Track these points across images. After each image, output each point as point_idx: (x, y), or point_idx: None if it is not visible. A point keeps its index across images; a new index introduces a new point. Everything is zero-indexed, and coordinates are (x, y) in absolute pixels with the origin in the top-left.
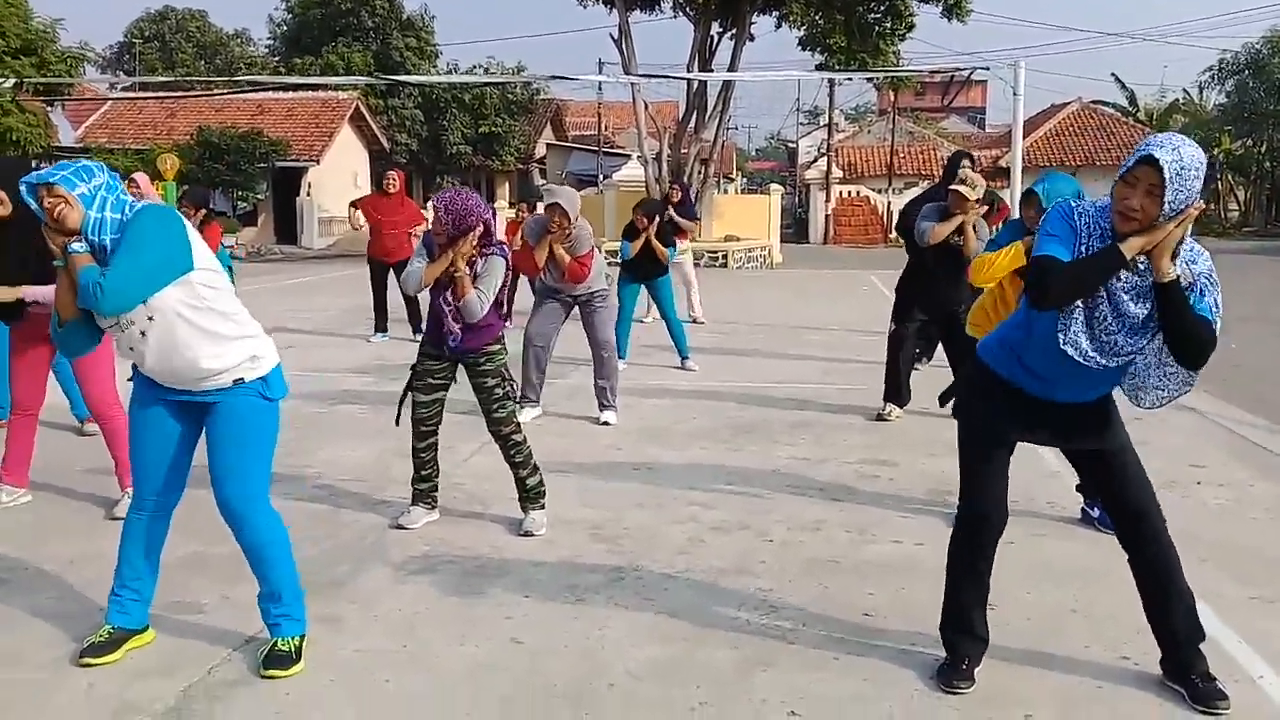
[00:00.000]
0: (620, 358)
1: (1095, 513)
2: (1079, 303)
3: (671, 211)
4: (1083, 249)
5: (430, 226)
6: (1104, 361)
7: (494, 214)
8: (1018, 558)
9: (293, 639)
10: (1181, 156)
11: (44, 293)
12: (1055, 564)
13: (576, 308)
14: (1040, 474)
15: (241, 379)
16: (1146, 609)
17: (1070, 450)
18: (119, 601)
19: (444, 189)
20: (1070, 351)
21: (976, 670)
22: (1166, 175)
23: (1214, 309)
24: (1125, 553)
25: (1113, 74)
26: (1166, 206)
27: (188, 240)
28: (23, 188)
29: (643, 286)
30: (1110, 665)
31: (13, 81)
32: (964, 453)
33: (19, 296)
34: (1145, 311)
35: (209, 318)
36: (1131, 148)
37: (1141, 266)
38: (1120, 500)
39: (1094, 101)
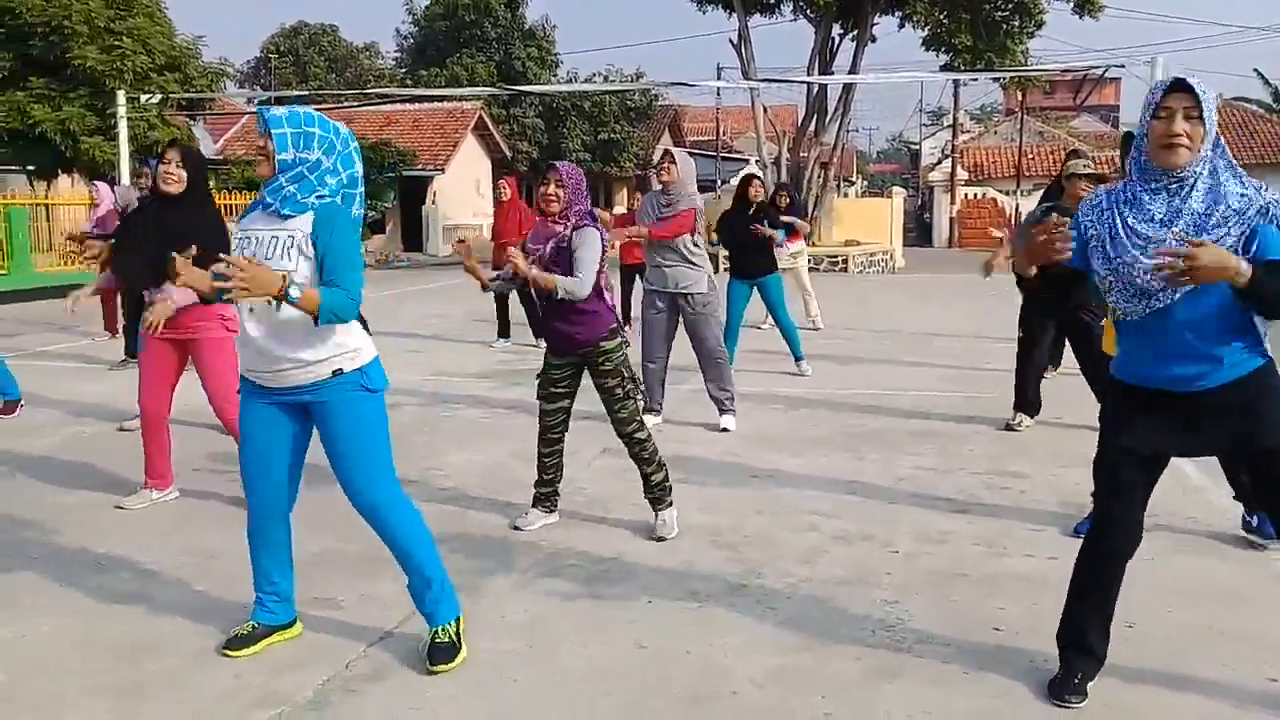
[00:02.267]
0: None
1: (1254, 521)
2: (1104, 265)
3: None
4: (1090, 241)
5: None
6: (1159, 300)
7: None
8: (1157, 574)
9: (450, 624)
10: (1198, 80)
11: (186, 296)
12: (1196, 582)
13: (680, 315)
14: (1184, 489)
15: (340, 369)
16: None
17: (1240, 454)
18: (260, 601)
19: (558, 162)
20: (1127, 311)
21: (1090, 685)
22: (1199, 93)
23: None
24: None
25: (1255, 69)
26: (1207, 125)
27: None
28: (260, 117)
29: (753, 288)
30: (1254, 687)
31: (159, 97)
32: (1096, 468)
33: (169, 310)
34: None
35: None
36: (1276, 144)
37: (1158, 218)
38: None
39: (1235, 98)
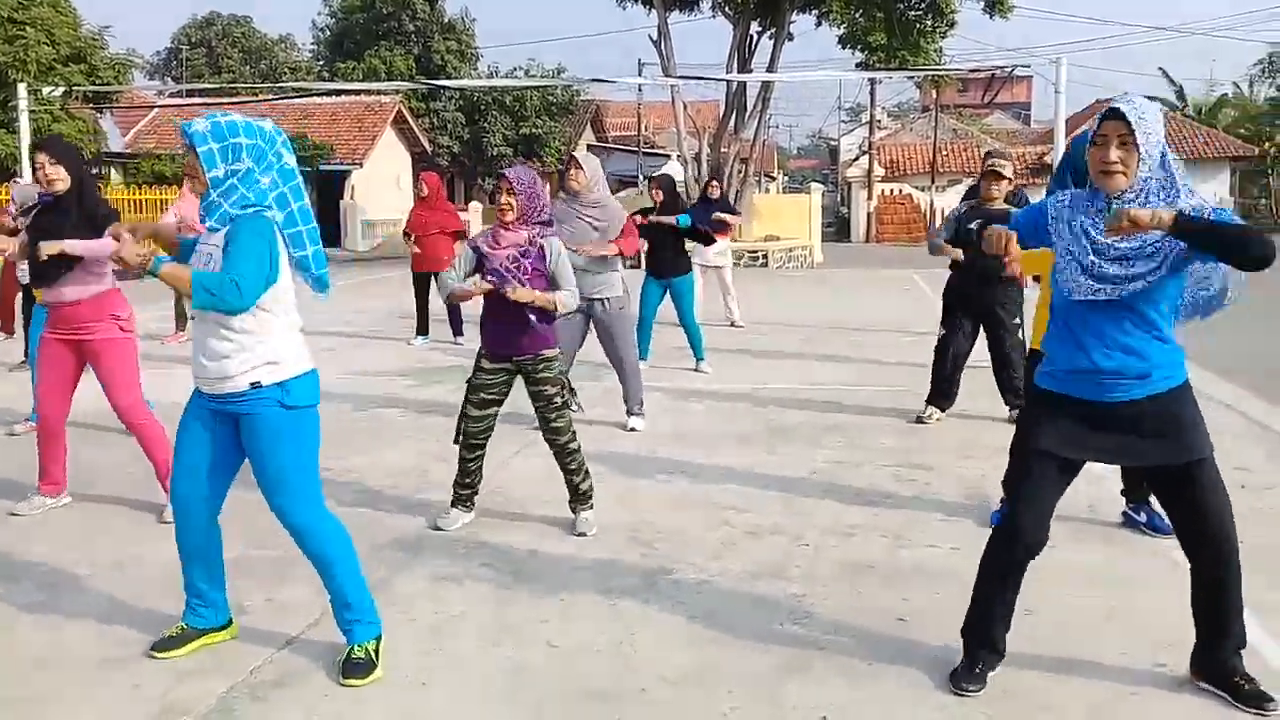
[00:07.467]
0: (641, 359)
1: (1141, 518)
2: (1064, 250)
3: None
4: (1051, 226)
5: (466, 229)
6: (1105, 291)
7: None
8: (1056, 561)
9: (368, 643)
10: (1137, 104)
11: (87, 247)
12: (1092, 569)
13: (593, 319)
14: (1085, 477)
15: (258, 382)
16: (1197, 617)
17: (1144, 466)
18: (189, 604)
19: (514, 164)
20: (1071, 289)
21: (990, 675)
22: (1132, 121)
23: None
24: (1187, 561)
25: (1160, 68)
26: (1142, 150)
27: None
28: (183, 133)
29: (665, 289)
30: (1145, 670)
31: (63, 89)
32: (1011, 466)
33: (60, 250)
34: (1128, 245)
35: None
36: (1180, 142)
37: (1104, 214)
38: (1194, 523)
39: (1143, 96)
